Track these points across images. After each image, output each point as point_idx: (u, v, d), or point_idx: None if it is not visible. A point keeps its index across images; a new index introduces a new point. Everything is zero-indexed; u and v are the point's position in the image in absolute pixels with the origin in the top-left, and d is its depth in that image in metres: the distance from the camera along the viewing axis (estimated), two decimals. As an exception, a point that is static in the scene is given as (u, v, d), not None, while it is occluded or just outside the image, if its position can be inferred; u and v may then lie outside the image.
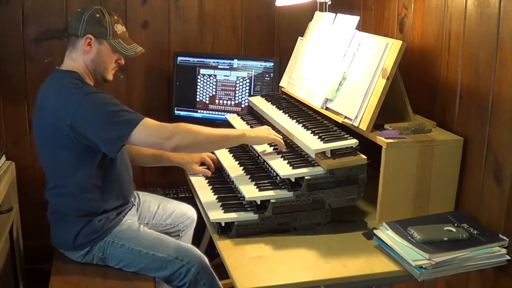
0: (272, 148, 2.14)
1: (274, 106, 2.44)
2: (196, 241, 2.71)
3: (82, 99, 2.02)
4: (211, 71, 2.98)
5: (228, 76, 2.96)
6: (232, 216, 1.91)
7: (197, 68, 3.00)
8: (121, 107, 2.04)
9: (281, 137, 2.14)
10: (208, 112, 3.01)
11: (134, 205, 2.37)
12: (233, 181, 2.12)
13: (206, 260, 2.18)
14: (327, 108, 2.19)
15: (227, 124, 2.59)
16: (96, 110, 2.02)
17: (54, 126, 2.06)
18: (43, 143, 2.15)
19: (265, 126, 2.22)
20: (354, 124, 2.01)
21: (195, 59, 3.01)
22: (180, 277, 2.13)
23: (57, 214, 2.20)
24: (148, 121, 2.02)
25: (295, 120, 2.22)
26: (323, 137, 1.98)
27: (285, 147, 2.10)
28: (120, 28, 2.20)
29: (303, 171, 1.92)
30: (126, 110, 2.04)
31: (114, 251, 2.15)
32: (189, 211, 2.58)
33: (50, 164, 2.18)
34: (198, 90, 3.01)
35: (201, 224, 2.29)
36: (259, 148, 2.16)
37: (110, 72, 2.23)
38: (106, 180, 2.16)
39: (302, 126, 2.14)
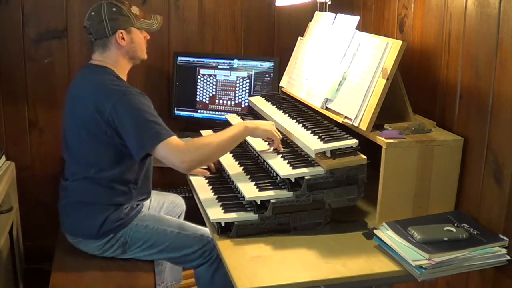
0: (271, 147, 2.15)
1: (274, 106, 2.44)
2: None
3: (121, 97, 2.07)
4: (211, 71, 2.98)
5: (228, 76, 2.96)
6: (232, 216, 1.91)
7: (197, 68, 3.00)
8: (154, 118, 2.07)
9: (280, 136, 2.14)
10: (208, 112, 3.01)
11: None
12: (233, 181, 2.12)
13: None
14: (327, 108, 2.19)
15: (227, 124, 2.59)
16: (132, 112, 2.06)
17: (94, 120, 2.09)
18: (82, 136, 2.16)
19: (270, 122, 2.22)
20: (354, 124, 2.01)
21: (195, 59, 3.01)
22: (206, 254, 2.19)
23: (83, 202, 2.20)
24: (172, 141, 2.04)
25: (295, 120, 2.22)
26: (323, 137, 1.98)
27: (280, 148, 2.11)
28: (136, 10, 2.25)
29: (303, 171, 1.92)
30: (158, 122, 2.07)
31: (138, 233, 2.20)
32: (178, 200, 2.67)
33: (86, 156, 2.19)
34: (198, 90, 3.01)
35: (200, 224, 2.29)
36: (259, 147, 2.16)
37: (144, 51, 2.31)
38: (138, 175, 2.23)
39: (302, 126, 2.14)
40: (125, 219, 2.19)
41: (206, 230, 2.24)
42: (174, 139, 2.05)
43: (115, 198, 2.19)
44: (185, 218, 2.66)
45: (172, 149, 2.04)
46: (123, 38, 2.19)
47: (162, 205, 2.59)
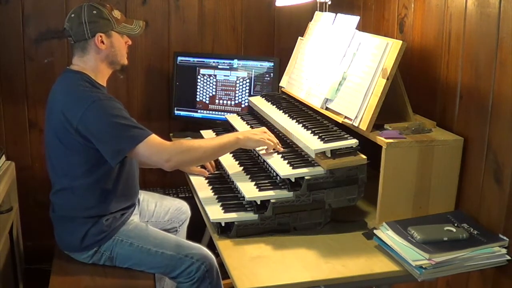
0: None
1: (274, 106, 2.44)
2: (196, 241, 2.71)
3: (90, 105, 2.02)
4: (211, 71, 2.98)
5: (228, 76, 2.96)
6: (232, 216, 1.91)
7: (197, 68, 3.00)
8: (127, 121, 2.03)
9: (275, 141, 2.13)
10: (208, 112, 3.01)
11: (136, 204, 2.38)
12: (233, 181, 2.12)
13: (215, 260, 2.19)
14: (327, 108, 2.19)
15: (227, 124, 2.60)
16: (102, 119, 2.02)
17: (64, 128, 2.06)
18: (54, 144, 2.13)
19: (262, 128, 2.21)
20: (354, 124, 2.01)
21: (195, 59, 3.01)
22: (190, 274, 2.14)
23: (63, 216, 2.19)
24: (150, 140, 2.02)
25: (295, 120, 2.22)
26: (323, 137, 1.98)
27: (279, 148, 2.10)
28: (117, 13, 2.20)
29: (303, 171, 1.92)
30: (132, 125, 2.03)
31: (123, 249, 2.15)
32: (183, 206, 2.62)
33: (60, 166, 2.16)
34: (198, 90, 3.01)
35: (201, 224, 2.29)
36: (258, 148, 2.16)
37: (125, 56, 2.25)
38: (115, 182, 2.16)
39: (302, 126, 2.14)
40: (107, 231, 2.14)
41: (194, 248, 2.19)
42: (154, 137, 2.03)
43: (92, 210, 2.13)
44: (190, 223, 2.66)
45: (155, 147, 2.02)
46: (102, 42, 2.13)
47: (167, 211, 2.55)
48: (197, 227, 2.65)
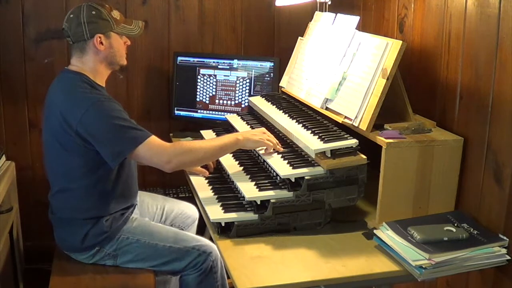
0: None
1: (274, 106, 2.44)
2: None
3: (90, 107, 2.01)
4: (211, 71, 2.98)
5: (228, 76, 2.96)
6: (232, 216, 1.91)
7: (197, 68, 3.00)
8: (127, 123, 2.03)
9: (275, 142, 2.13)
10: (208, 112, 3.01)
11: (136, 204, 2.38)
12: (233, 181, 2.12)
13: (218, 251, 2.19)
14: (327, 108, 2.19)
15: (227, 124, 2.60)
16: (102, 121, 2.02)
17: (63, 130, 2.05)
18: (53, 146, 2.13)
19: (261, 129, 2.22)
20: (354, 124, 2.01)
21: (195, 59, 3.01)
22: (197, 266, 2.15)
23: (63, 218, 2.18)
24: (151, 141, 2.01)
25: (295, 120, 2.22)
26: (323, 137, 1.98)
27: (279, 149, 2.10)
28: (116, 14, 2.19)
29: (303, 171, 1.92)
30: (132, 126, 2.03)
31: (129, 247, 2.15)
32: (189, 210, 2.59)
33: (59, 168, 2.15)
34: (198, 90, 3.01)
35: (201, 224, 2.30)
36: (258, 148, 2.16)
37: (124, 57, 2.24)
38: (114, 183, 2.16)
39: (302, 126, 2.14)
40: (109, 232, 2.13)
41: (199, 240, 2.20)
42: (154, 139, 2.03)
43: (91, 211, 2.12)
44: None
45: (155, 149, 2.02)
46: (101, 43, 2.12)
47: (170, 214, 2.54)
48: (198, 226, 2.66)
